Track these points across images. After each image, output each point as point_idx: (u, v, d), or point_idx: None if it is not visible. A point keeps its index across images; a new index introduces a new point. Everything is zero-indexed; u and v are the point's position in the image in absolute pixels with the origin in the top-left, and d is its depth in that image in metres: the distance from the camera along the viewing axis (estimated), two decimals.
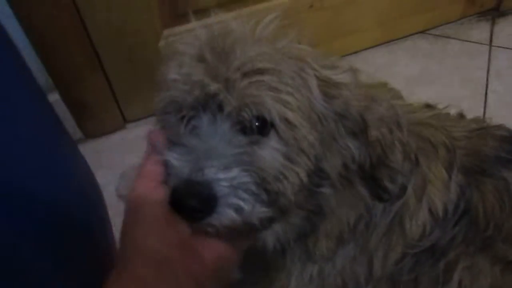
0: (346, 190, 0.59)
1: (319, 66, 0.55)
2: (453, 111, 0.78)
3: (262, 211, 0.50)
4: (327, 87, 0.54)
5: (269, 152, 0.51)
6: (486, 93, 1.36)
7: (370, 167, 0.56)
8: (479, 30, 1.57)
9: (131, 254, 0.45)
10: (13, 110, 0.63)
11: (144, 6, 1.16)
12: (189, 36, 0.56)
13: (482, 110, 1.31)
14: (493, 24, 1.60)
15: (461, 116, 0.78)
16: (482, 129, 0.70)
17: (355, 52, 1.54)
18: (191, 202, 0.46)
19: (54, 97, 1.22)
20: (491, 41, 1.52)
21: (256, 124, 0.51)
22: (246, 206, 0.48)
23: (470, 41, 1.52)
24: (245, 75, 0.50)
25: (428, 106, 0.78)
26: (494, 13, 1.62)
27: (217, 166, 0.48)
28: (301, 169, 0.53)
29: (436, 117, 0.72)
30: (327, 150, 0.55)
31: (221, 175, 0.47)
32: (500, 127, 0.71)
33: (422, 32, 1.57)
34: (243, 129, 0.51)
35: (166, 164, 0.51)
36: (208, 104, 0.51)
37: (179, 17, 1.22)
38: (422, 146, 0.65)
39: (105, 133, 1.39)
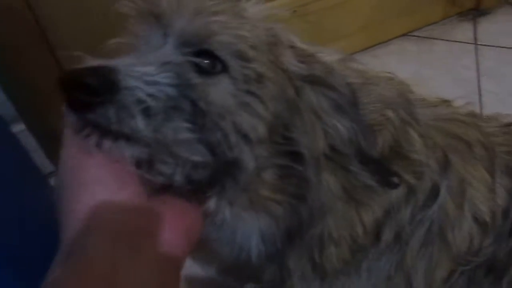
0: (339, 176, 0.48)
1: (296, 40, 0.48)
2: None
3: (181, 126, 0.38)
4: (303, 54, 0.47)
5: (217, 92, 0.41)
6: (480, 92, 1.31)
7: (381, 157, 0.47)
8: (462, 30, 1.55)
9: (86, 232, 0.34)
10: None
11: None
12: None
13: (478, 109, 1.26)
14: (475, 23, 1.57)
15: (473, 114, 0.71)
16: None
17: None
18: (85, 78, 0.36)
19: (19, 128, 1.10)
20: (475, 40, 1.50)
21: (205, 62, 0.42)
22: (156, 104, 0.37)
23: (455, 41, 1.49)
24: (199, 13, 0.42)
25: (446, 101, 0.70)
26: (474, 13, 1.61)
27: (131, 63, 0.39)
28: (258, 121, 0.42)
29: (462, 112, 0.64)
30: (299, 121, 0.45)
31: (133, 68, 0.38)
32: None
33: (406, 34, 1.53)
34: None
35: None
36: (153, 26, 0.43)
37: None
38: (452, 144, 0.56)
39: None
